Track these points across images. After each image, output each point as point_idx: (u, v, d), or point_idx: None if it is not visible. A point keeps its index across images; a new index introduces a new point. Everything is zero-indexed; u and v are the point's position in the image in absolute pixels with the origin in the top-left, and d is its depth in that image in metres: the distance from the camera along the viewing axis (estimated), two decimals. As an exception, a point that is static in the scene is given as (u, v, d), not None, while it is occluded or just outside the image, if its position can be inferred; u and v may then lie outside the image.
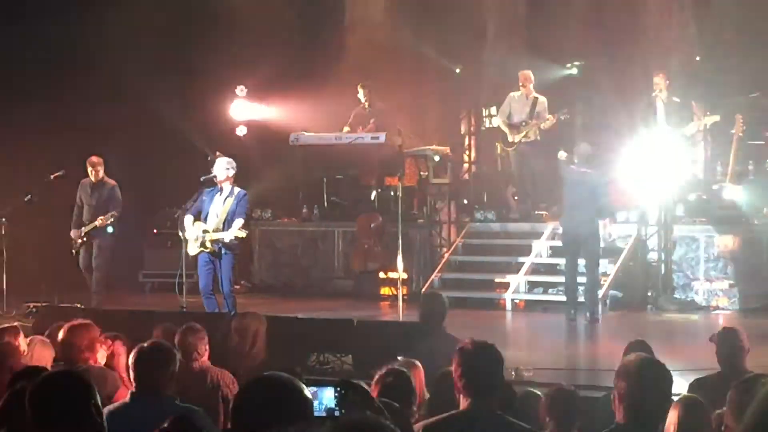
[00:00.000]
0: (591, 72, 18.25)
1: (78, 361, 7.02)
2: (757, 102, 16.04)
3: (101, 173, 14.91)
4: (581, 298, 14.02)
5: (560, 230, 14.64)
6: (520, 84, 16.77)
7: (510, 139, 16.71)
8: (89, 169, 14.86)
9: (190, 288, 13.73)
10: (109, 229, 14.64)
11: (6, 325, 7.91)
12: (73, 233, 14.77)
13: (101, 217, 14.53)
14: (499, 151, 17.52)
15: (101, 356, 7.36)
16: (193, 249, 12.68)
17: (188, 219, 12.72)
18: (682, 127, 15.94)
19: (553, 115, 16.61)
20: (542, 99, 16.77)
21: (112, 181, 15.00)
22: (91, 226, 14.60)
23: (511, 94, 16.92)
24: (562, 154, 14.90)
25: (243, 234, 12.53)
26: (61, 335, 7.27)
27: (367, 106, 17.56)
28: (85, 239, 14.68)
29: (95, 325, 7.38)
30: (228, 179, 12.71)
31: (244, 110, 19.09)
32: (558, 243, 16.20)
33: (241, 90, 18.99)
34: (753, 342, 7.58)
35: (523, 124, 16.61)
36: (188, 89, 18.27)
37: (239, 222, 12.51)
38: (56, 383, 4.15)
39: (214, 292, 12.73)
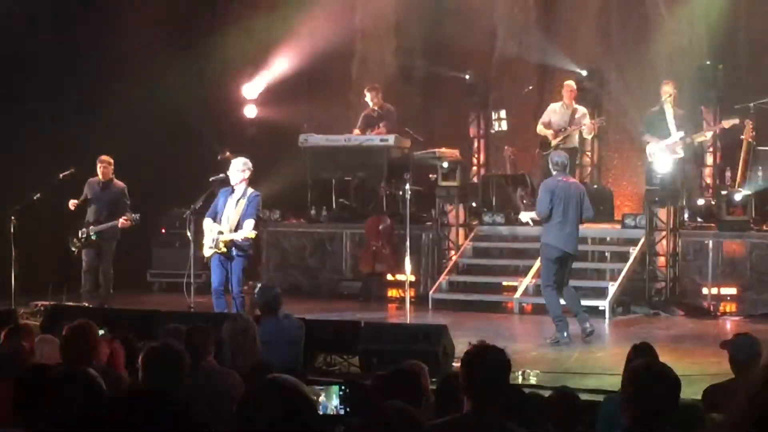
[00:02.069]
0: (601, 77, 18.27)
1: (81, 362, 7.02)
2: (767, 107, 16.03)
3: (111, 173, 14.96)
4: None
5: (549, 244, 12.95)
6: (564, 94, 16.78)
7: (549, 140, 16.65)
8: (99, 166, 14.89)
9: (198, 288, 13.77)
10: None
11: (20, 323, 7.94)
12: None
13: (124, 217, 14.53)
14: (509, 155, 17.51)
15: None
16: (207, 251, 12.73)
17: (207, 222, 12.77)
18: (693, 133, 16.00)
19: (592, 122, 16.70)
20: (582, 109, 16.80)
21: (121, 183, 15.02)
22: (109, 225, 14.57)
23: (552, 105, 16.97)
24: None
25: (253, 234, 12.56)
26: (62, 335, 7.27)
27: (375, 109, 17.58)
28: (94, 238, 14.67)
29: (95, 325, 7.36)
30: (243, 180, 12.73)
31: (255, 110, 19.19)
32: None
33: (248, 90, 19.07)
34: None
35: (562, 130, 16.62)
36: (199, 89, 18.29)
37: (250, 223, 12.54)
38: (69, 382, 4.16)
39: (225, 292, 12.75)
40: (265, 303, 9.90)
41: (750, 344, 7.13)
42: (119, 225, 14.60)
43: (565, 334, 12.73)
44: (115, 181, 15.04)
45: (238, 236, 12.46)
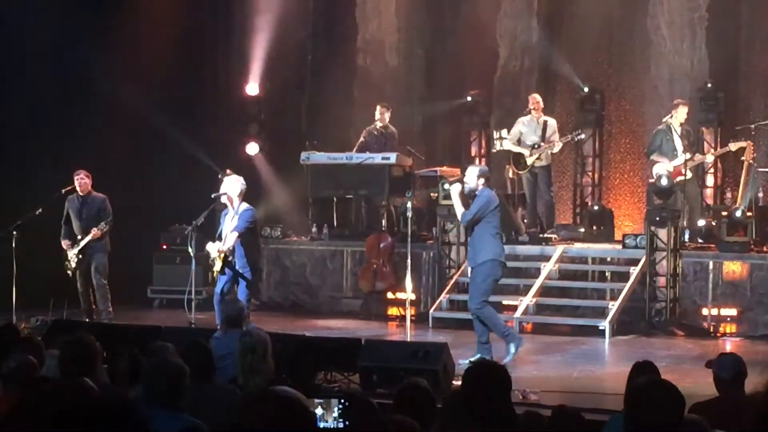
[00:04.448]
0: (602, 96, 18.33)
1: (80, 375, 7.01)
2: (769, 130, 16.11)
3: (89, 186, 14.83)
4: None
5: (500, 260, 12.47)
6: (531, 108, 16.85)
7: (524, 159, 16.75)
8: (76, 180, 14.69)
9: (198, 304, 13.78)
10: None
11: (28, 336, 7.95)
12: (64, 243, 14.70)
13: (95, 229, 14.48)
14: (510, 175, 17.54)
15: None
16: (214, 270, 12.93)
17: (217, 244, 12.91)
18: (697, 153, 16.09)
19: (565, 137, 16.74)
20: (552, 121, 16.88)
21: (100, 195, 14.89)
22: (86, 239, 14.53)
23: (520, 119, 16.99)
24: (456, 186, 12.66)
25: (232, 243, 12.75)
26: (62, 349, 7.27)
27: (379, 126, 17.61)
28: (81, 257, 14.61)
29: (95, 339, 7.37)
30: (236, 197, 12.86)
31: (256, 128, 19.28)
32: (569, 266, 16.28)
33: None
34: (760, 370, 7.53)
35: (536, 146, 16.67)
36: (199, 106, 18.33)
37: (232, 235, 12.70)
38: (68, 393, 4.17)
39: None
40: (227, 317, 9.96)
41: (734, 363, 7.22)
42: (92, 237, 14.53)
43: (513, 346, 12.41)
44: (94, 193, 14.82)
45: (222, 247, 12.64)
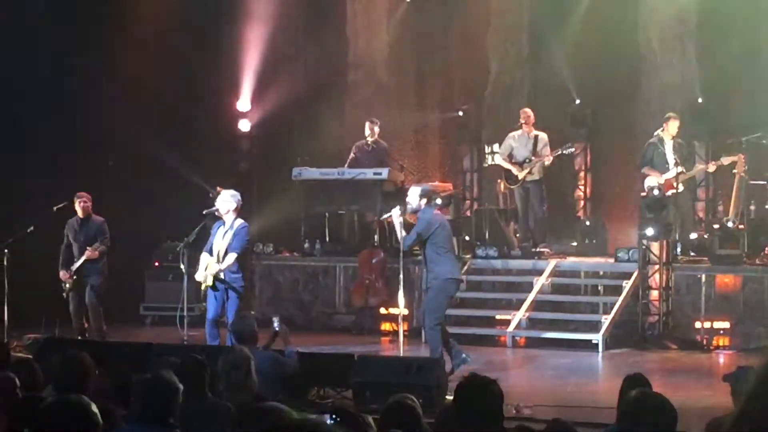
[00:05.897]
0: (594, 111, 18.36)
1: (74, 391, 6.98)
2: (760, 142, 16.10)
3: (90, 209, 14.75)
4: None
5: (450, 278, 12.52)
6: (521, 122, 16.87)
7: (515, 174, 16.77)
8: (78, 203, 14.62)
9: (191, 321, 13.74)
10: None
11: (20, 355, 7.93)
12: (62, 274, 14.53)
13: (89, 249, 14.39)
14: (502, 189, 17.57)
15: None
16: (202, 284, 12.76)
17: (204, 256, 12.76)
18: (689, 168, 16.10)
19: (555, 151, 16.73)
20: (542, 136, 16.88)
21: (99, 218, 14.82)
22: (80, 261, 14.43)
23: (511, 133, 17.01)
24: (396, 211, 12.69)
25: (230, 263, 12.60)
26: (57, 366, 7.24)
27: (370, 142, 17.60)
28: (75, 277, 14.52)
29: (89, 356, 7.34)
30: (231, 212, 12.75)
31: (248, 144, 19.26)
32: (562, 280, 16.27)
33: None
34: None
35: (527, 161, 16.68)
36: (190, 124, 18.32)
37: (231, 256, 12.55)
38: (62, 410, 4.15)
39: (220, 325, 12.69)
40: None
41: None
42: (86, 258, 14.42)
43: (463, 354, 12.41)
44: (94, 216, 14.70)
45: (218, 268, 12.52)
